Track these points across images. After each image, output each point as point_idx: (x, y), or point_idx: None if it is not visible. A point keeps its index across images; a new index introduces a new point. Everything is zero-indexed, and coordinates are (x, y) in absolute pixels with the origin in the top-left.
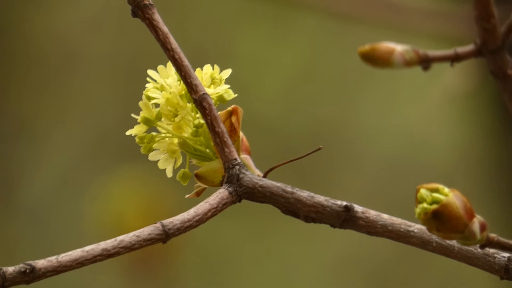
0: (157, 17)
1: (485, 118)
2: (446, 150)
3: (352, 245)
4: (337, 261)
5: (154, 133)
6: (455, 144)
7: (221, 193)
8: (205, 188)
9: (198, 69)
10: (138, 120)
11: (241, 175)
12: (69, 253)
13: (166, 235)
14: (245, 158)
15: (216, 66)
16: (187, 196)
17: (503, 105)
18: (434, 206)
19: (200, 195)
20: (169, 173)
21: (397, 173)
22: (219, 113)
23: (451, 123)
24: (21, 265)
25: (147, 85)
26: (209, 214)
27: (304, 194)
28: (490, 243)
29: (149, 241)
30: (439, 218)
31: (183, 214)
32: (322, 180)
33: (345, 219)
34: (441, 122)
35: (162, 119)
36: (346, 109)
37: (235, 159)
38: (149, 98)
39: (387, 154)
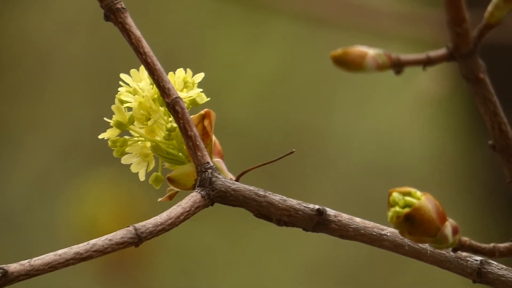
0: (130, 21)
1: (457, 122)
2: (419, 153)
3: (325, 249)
4: (310, 265)
5: (127, 137)
6: (428, 147)
7: (193, 197)
8: (177, 191)
9: (170, 73)
10: (111, 124)
11: (213, 179)
12: (42, 256)
13: (138, 239)
14: (218, 161)
15: (188, 70)
16: (159, 199)
17: (475, 109)
18: (407, 210)
19: (172, 198)
20: (142, 177)
21: (370, 177)
22: (191, 116)
23: (424, 127)
24: None
25: (120, 88)
26: (182, 217)
27: (276, 197)
28: (462, 246)
29: (121, 245)
30: (412, 221)
31: (155, 217)
32: (295, 184)
33: (318, 222)
34: (414, 126)
35: (135, 122)
36: (319, 113)
37: (208, 162)
38: (122, 102)
39: (360, 158)
